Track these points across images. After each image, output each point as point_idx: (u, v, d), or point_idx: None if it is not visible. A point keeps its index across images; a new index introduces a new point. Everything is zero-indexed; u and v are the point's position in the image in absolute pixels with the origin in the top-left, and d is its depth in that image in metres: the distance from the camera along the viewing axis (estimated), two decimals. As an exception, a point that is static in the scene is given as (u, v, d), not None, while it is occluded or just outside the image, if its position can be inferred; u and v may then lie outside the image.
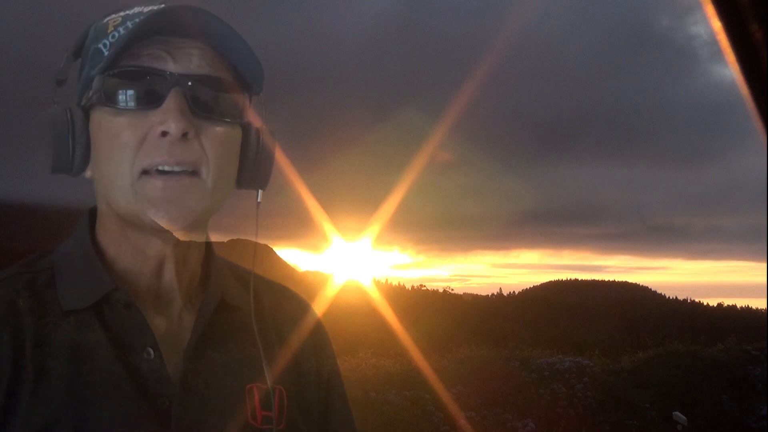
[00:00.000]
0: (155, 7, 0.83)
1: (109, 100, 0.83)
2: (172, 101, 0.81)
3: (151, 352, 0.83)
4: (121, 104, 0.83)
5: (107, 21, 0.86)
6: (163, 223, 0.82)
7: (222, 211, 0.94)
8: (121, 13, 0.86)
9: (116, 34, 0.83)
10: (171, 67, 0.83)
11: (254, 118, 0.93)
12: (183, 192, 0.82)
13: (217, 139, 0.84)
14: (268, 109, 0.95)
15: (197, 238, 0.91)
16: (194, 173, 0.82)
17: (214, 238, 0.98)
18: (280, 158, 0.97)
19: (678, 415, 6.24)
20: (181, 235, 0.87)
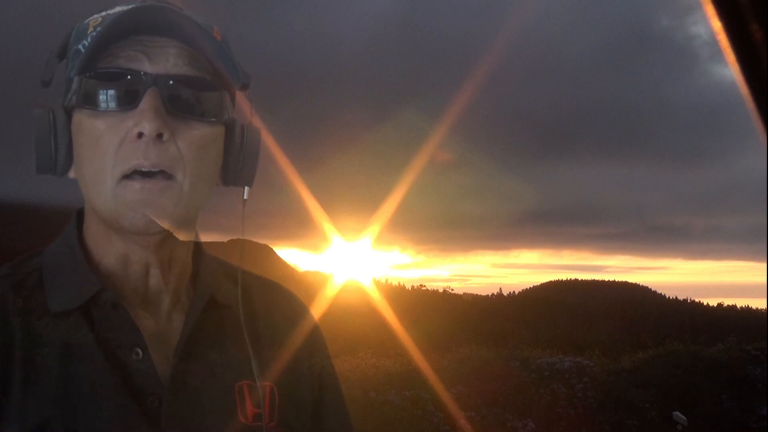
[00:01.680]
0: (126, 7, 0.82)
1: (86, 101, 0.83)
2: (147, 102, 0.80)
3: (140, 351, 0.83)
4: (99, 106, 0.82)
5: (89, 21, 0.86)
6: (140, 228, 0.82)
7: (221, 211, 0.94)
8: (103, 13, 0.86)
9: (94, 34, 0.83)
10: (147, 67, 0.82)
11: (240, 116, 0.93)
12: (159, 196, 0.81)
13: (194, 141, 0.83)
14: (263, 108, 0.94)
15: (185, 237, 0.90)
16: (170, 176, 0.82)
17: (214, 238, 0.98)
18: (280, 158, 0.97)
19: (678, 415, 6.24)
20: (167, 243, 0.87)
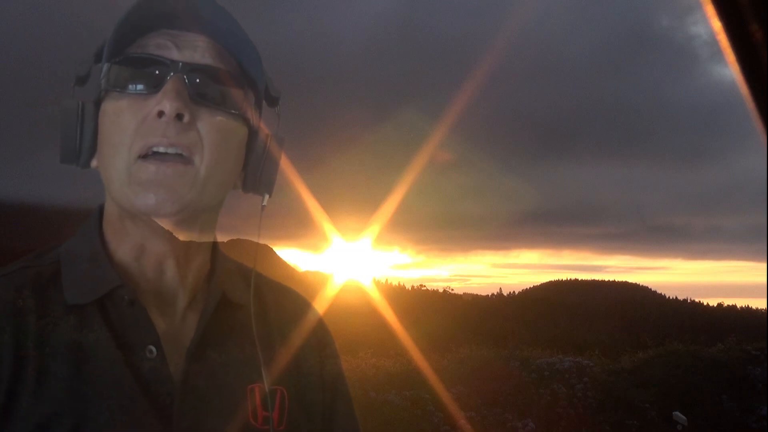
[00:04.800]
0: None
1: (113, 85, 0.85)
2: (170, 84, 0.82)
3: (153, 350, 0.83)
4: (125, 89, 0.84)
5: None
6: (151, 207, 0.81)
7: (222, 211, 0.94)
8: None
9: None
10: (175, 55, 0.85)
11: (263, 125, 0.94)
12: (174, 177, 0.81)
13: (215, 128, 0.85)
14: (277, 116, 0.96)
15: (203, 238, 0.91)
16: (187, 160, 0.82)
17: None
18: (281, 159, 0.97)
19: (678, 415, 6.24)
20: (183, 236, 0.87)
